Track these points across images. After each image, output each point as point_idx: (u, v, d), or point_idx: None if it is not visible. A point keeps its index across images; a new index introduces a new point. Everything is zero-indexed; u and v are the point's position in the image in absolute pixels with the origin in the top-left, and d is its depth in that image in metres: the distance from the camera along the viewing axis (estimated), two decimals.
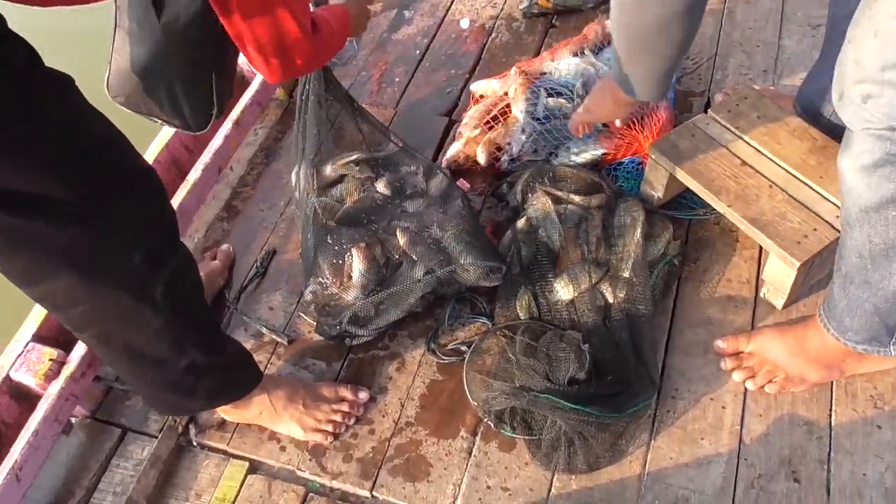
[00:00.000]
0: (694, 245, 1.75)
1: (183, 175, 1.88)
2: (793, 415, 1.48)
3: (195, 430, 1.55)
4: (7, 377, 1.50)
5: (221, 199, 1.98)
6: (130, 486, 1.48)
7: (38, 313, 1.57)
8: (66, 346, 1.55)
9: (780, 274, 1.56)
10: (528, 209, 1.72)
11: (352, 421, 1.54)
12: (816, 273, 1.59)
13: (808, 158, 1.61)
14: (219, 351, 1.41)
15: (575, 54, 1.99)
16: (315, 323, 1.65)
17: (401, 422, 1.54)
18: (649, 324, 1.58)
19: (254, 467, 1.52)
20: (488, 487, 1.44)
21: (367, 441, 1.52)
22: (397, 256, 1.64)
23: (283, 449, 1.52)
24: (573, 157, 1.84)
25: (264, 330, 1.69)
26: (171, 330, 1.25)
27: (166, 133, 1.87)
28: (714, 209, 1.65)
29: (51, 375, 1.50)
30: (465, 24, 2.38)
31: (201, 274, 1.64)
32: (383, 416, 1.55)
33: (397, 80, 2.25)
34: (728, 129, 1.69)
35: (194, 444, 1.55)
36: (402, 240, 1.63)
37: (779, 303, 1.62)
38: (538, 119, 1.87)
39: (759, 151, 1.64)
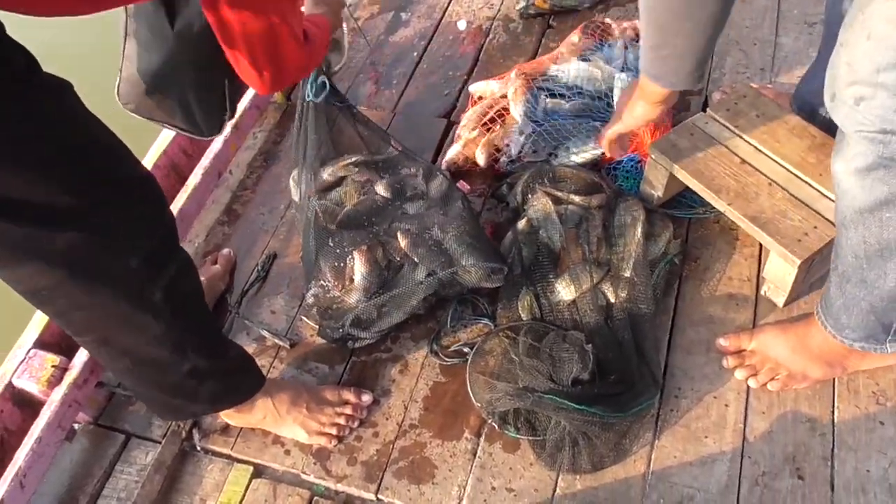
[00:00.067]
0: (694, 244, 1.75)
1: (182, 180, 1.88)
2: (796, 412, 1.49)
3: (199, 434, 1.55)
4: (9, 384, 1.51)
5: (221, 204, 1.98)
6: (135, 491, 1.48)
7: (39, 320, 1.57)
8: (69, 352, 1.55)
9: (780, 272, 1.56)
10: (528, 210, 1.73)
11: (355, 424, 1.54)
12: (817, 270, 1.59)
13: (807, 156, 1.62)
14: (220, 355, 1.41)
15: (581, 57, 1.99)
16: (317, 326, 1.65)
17: (404, 424, 1.54)
18: (651, 323, 1.58)
19: (258, 471, 1.52)
20: (493, 488, 1.44)
21: (372, 444, 1.52)
22: (399, 259, 1.64)
23: (287, 453, 1.52)
24: (572, 157, 1.84)
25: (266, 334, 1.69)
26: (171, 334, 1.25)
27: (165, 139, 1.87)
28: (714, 208, 1.66)
29: (53, 382, 1.50)
30: (462, 25, 2.39)
31: (202, 278, 1.65)
32: (387, 419, 1.55)
33: (395, 82, 2.25)
34: (727, 127, 1.69)
35: (198, 448, 1.55)
36: (403, 242, 1.63)
37: (780, 300, 1.62)
38: (536, 120, 1.88)
39: (758, 150, 1.65)
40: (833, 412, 1.48)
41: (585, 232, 1.68)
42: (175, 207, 1.79)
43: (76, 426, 1.59)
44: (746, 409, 1.50)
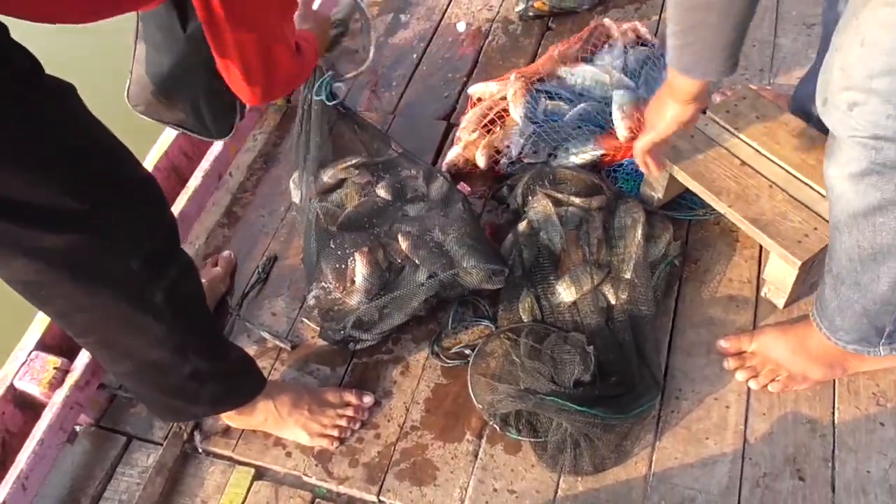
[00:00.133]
0: (694, 245, 1.76)
1: (183, 182, 1.88)
2: (796, 413, 1.49)
3: (200, 436, 1.55)
4: (11, 386, 1.51)
5: (222, 206, 1.98)
6: (136, 493, 1.48)
7: (41, 322, 1.57)
8: (70, 354, 1.55)
9: (781, 273, 1.56)
10: (528, 212, 1.73)
11: (357, 426, 1.54)
12: (817, 272, 1.59)
13: (807, 158, 1.62)
14: (221, 357, 1.41)
15: (586, 61, 2.00)
16: (318, 328, 1.65)
17: (406, 426, 1.55)
18: (652, 325, 1.59)
19: (260, 473, 1.52)
20: (495, 490, 1.45)
21: (373, 446, 1.52)
22: (400, 260, 1.65)
23: (288, 455, 1.53)
24: (572, 159, 1.84)
25: (267, 336, 1.70)
26: (172, 336, 1.26)
27: (165, 141, 1.88)
28: (714, 209, 1.66)
29: (55, 384, 1.50)
30: (461, 27, 2.39)
31: (203, 281, 1.65)
32: (388, 421, 1.56)
33: (395, 84, 2.25)
34: (727, 129, 1.69)
35: (199, 450, 1.55)
36: (404, 244, 1.64)
37: (780, 302, 1.62)
38: (536, 122, 1.88)
39: (758, 151, 1.65)
40: (833, 413, 1.49)
41: (586, 234, 1.68)
42: (175, 210, 1.79)
43: (77, 428, 1.59)
44: (747, 410, 1.50)
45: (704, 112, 1.79)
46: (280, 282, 1.81)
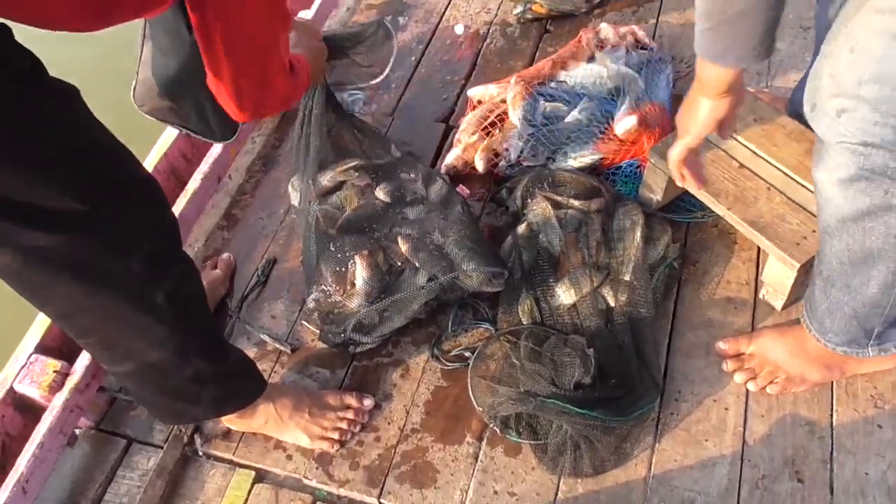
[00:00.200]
0: (693, 248, 1.76)
1: (182, 184, 1.88)
2: (795, 415, 1.50)
3: (201, 439, 1.55)
4: (11, 389, 1.50)
5: (221, 208, 1.98)
6: (137, 496, 1.48)
7: (41, 324, 1.57)
8: (70, 356, 1.55)
9: (779, 275, 1.57)
10: (528, 214, 1.73)
11: (357, 428, 1.55)
12: None
13: (805, 160, 1.63)
14: (222, 359, 1.41)
15: (588, 60, 2.00)
16: (318, 331, 1.66)
17: (406, 428, 1.55)
18: (651, 327, 1.59)
19: (260, 476, 1.52)
20: (495, 492, 1.45)
21: (374, 448, 1.53)
22: (400, 263, 1.65)
23: (289, 457, 1.53)
24: (571, 161, 1.85)
25: (267, 338, 1.70)
26: (174, 338, 1.26)
27: (164, 143, 1.88)
28: (712, 211, 1.67)
29: (55, 387, 1.50)
30: (459, 29, 2.39)
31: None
32: (389, 423, 1.56)
33: (394, 86, 2.25)
34: None
35: (200, 453, 1.55)
36: (403, 247, 1.64)
37: (778, 304, 1.63)
38: (535, 124, 1.88)
39: (756, 154, 1.66)
40: (832, 415, 1.49)
41: (585, 236, 1.68)
42: (175, 212, 1.77)
43: (78, 431, 1.58)
44: (746, 412, 1.51)
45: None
46: (279, 284, 1.81)
